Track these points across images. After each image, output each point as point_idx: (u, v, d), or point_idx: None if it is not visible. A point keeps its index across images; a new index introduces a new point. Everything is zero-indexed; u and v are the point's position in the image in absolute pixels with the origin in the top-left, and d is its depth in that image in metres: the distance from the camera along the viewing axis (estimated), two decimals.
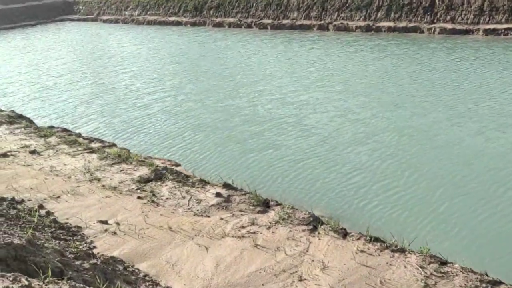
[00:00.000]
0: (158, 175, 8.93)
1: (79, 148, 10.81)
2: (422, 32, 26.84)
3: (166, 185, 8.61)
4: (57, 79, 25.67)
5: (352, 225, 8.50)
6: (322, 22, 31.45)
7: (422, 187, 10.63)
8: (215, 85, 21.22)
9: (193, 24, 38.84)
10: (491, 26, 24.65)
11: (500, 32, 24.22)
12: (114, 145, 12.72)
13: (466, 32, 25.25)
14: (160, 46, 32.31)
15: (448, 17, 26.65)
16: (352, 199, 10.19)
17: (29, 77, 26.80)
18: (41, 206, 7.96)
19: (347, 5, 31.18)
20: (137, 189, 8.52)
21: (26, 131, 12.40)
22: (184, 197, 8.09)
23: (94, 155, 10.33)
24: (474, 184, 10.56)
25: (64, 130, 14.57)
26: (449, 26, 26.05)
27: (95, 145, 12.21)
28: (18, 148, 11.03)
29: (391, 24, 28.25)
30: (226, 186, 8.24)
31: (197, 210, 7.63)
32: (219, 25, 37.01)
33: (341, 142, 13.66)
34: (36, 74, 27.36)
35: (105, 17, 47.84)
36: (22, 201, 8.14)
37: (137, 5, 46.23)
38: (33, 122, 15.79)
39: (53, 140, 11.63)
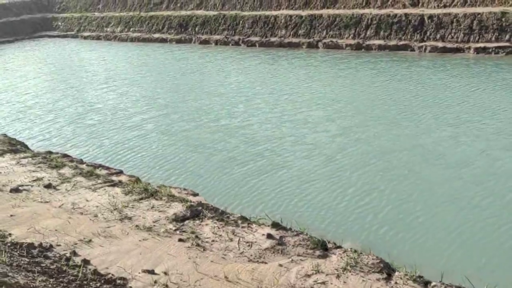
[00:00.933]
0: (195, 212, 8.16)
1: (99, 181, 9.94)
2: (413, 50, 26.87)
3: (207, 225, 7.85)
4: (38, 99, 24.37)
5: (389, 258, 7.87)
6: (311, 40, 31.22)
7: (444, 212, 10.28)
8: (206, 104, 20.69)
9: (179, 41, 38.14)
10: (482, 45, 24.81)
11: (491, 50, 24.38)
12: (121, 172, 11.89)
13: (457, 50, 25.37)
14: (145, 63, 31.59)
15: (438, 36, 26.75)
16: (378, 228, 9.76)
17: (7, 97, 25.35)
18: (74, 253, 7.11)
19: (336, 23, 31.07)
20: (175, 230, 7.72)
21: (34, 161, 11.41)
22: (231, 239, 7.36)
23: (117, 189, 9.48)
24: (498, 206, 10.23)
25: (65, 155, 13.65)
26: (439, 44, 26.13)
27: (100, 172, 11.36)
28: (30, 182, 10.05)
29: (382, 42, 28.21)
30: (275, 225, 7.54)
31: (251, 255, 6.91)
32: (206, 42, 36.43)
33: (348, 163, 13.32)
34: (15, 93, 25.96)
35: (86, 34, 46.64)
36: (51, 246, 7.27)
37: (119, 21, 45.26)
38: (28, 147, 14.72)
39: (66, 171, 10.69)
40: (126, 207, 8.61)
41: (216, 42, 35.88)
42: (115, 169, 11.73)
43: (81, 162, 12.90)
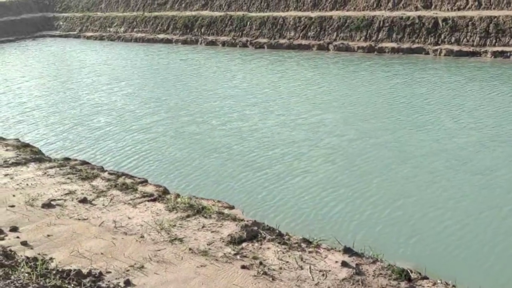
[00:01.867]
0: (251, 233, 7.39)
1: (137, 195, 9.16)
2: (428, 53, 26.27)
3: (268, 248, 7.08)
4: (41, 100, 23.58)
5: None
6: (322, 42, 30.51)
7: (479, 221, 9.78)
8: (217, 106, 20.11)
9: (184, 42, 37.29)
10: (499, 49, 24.21)
11: (509, 54, 23.78)
12: (146, 181, 11.12)
13: (474, 54, 24.80)
14: (151, 64, 30.90)
15: (453, 39, 26.17)
16: (438, 246, 9.00)
17: (8, 98, 24.38)
18: (128, 283, 6.30)
19: (346, 25, 30.39)
20: (235, 254, 6.95)
21: (62, 171, 10.57)
22: (301, 267, 6.60)
23: (160, 205, 8.70)
24: None
25: (84, 162, 12.84)
26: (455, 47, 25.50)
27: (125, 180, 10.54)
28: (62, 195, 9.23)
29: (394, 45, 27.57)
30: (347, 251, 6.79)
31: (328, 287, 6.14)
32: (212, 43, 35.62)
33: (372, 168, 12.82)
34: (16, 94, 25.00)
35: (88, 34, 45.65)
36: (101, 274, 6.45)
37: (123, 21, 44.32)
38: (43, 153, 13.82)
39: (99, 183, 9.88)
40: (174, 226, 7.81)
41: (223, 44, 35.07)
42: (139, 178, 10.96)
43: (102, 169, 12.06)
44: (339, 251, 6.88)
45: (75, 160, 13.26)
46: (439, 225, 9.70)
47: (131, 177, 11.49)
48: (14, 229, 7.82)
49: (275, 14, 35.02)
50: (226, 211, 8.98)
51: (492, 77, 21.38)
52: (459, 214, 10.12)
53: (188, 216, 8.18)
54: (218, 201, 9.61)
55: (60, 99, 23.32)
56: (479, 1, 27.70)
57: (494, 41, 25.08)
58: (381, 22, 29.34)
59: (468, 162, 12.76)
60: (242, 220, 8.05)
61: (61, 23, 50.43)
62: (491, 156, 13.08)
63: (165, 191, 10.06)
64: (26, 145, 14.23)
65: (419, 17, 28.19)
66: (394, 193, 11.20)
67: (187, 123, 17.98)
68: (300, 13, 33.89)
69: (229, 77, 25.42)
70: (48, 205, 8.69)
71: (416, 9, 29.53)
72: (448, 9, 28.38)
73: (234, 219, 8.02)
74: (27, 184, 9.81)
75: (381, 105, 18.63)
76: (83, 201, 8.87)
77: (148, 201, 8.86)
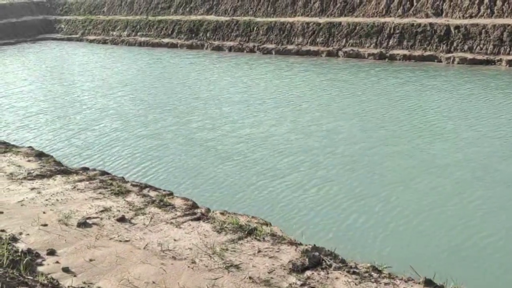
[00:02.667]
0: (313, 260, 6.73)
1: (178, 213, 8.48)
2: (440, 61, 25.84)
3: (337, 278, 6.41)
4: (45, 104, 22.96)
5: None
6: (331, 48, 29.97)
7: None
8: (226, 112, 19.80)
9: (190, 47, 36.66)
10: None
11: None
12: (171, 193, 10.50)
13: (488, 62, 24.40)
14: (156, 68, 30.47)
15: (466, 47, 25.76)
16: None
17: (10, 101, 23.58)
18: None
19: (356, 31, 29.89)
20: (302, 285, 6.28)
21: (93, 185, 9.85)
22: None
23: (205, 225, 8.02)
24: None
25: (104, 173, 12.14)
26: (468, 55, 25.05)
27: (149, 193, 9.89)
28: (97, 213, 8.50)
29: (406, 52, 27.14)
30: (429, 283, 6.14)
31: None
32: (219, 48, 35.01)
33: (394, 177, 12.52)
34: (18, 98, 24.21)
35: (91, 37, 44.91)
36: None
37: (126, 25, 43.58)
38: (60, 163, 13.08)
39: (135, 199, 9.19)
40: (226, 250, 7.13)
41: (230, 49, 34.47)
42: (164, 190, 10.34)
43: (124, 180, 11.36)
44: (418, 283, 6.23)
45: (94, 170, 12.54)
46: (481, 242, 9.30)
47: (156, 189, 10.86)
48: (51, 252, 7.11)
49: (282, 19, 34.50)
50: (266, 228, 8.32)
51: (507, 85, 20.97)
52: (494, 227, 9.80)
53: (239, 238, 7.50)
54: (253, 217, 8.99)
55: (64, 103, 22.68)
56: (491, 9, 27.32)
57: (508, 49, 24.70)
58: (392, 29, 28.88)
59: (494, 172, 12.47)
60: (300, 244, 7.38)
61: (62, 26, 49.59)
62: None
63: (194, 205, 9.42)
64: (41, 154, 13.47)
65: (430, 24, 27.76)
66: (422, 205, 10.91)
67: (196, 129, 17.54)
68: (308, 19, 33.38)
69: (237, 82, 24.96)
70: (84, 224, 7.98)
71: (427, 16, 29.11)
72: (459, 17, 27.98)
73: (291, 243, 7.35)
74: (57, 200, 9.08)
75: (395, 112, 18.36)
76: (122, 219, 8.16)
77: (191, 220, 8.17)
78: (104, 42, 43.48)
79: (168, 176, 13.39)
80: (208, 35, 37.44)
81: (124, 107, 21.32)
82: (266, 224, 8.87)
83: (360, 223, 10.25)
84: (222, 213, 9.17)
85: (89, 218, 8.27)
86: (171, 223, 8.14)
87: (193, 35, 38.30)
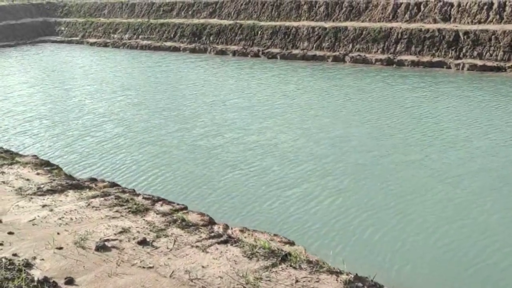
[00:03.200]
0: None
1: (203, 235, 8.00)
2: (449, 67, 25.62)
3: None
4: (44, 108, 22.84)
5: None
6: (337, 53, 29.73)
7: None
8: (231, 118, 19.44)
9: (193, 51, 36.41)
10: None
11: None
12: (185, 207, 10.15)
13: (498, 69, 24.15)
14: (159, 72, 30.45)
15: (475, 53, 25.55)
16: None
17: (8, 105, 23.41)
18: None
19: (362, 36, 29.68)
20: None
21: (108, 202, 9.40)
22: None
23: (234, 249, 7.55)
24: None
25: (114, 184, 11.82)
26: (478, 62, 24.82)
27: (162, 208, 9.57)
28: (115, 234, 7.99)
29: (414, 58, 26.92)
30: None
31: None
32: (222, 52, 34.75)
33: (409, 188, 12.23)
34: (17, 102, 23.98)
35: (91, 40, 44.65)
36: None
37: (127, 28, 43.35)
38: (72, 176, 12.75)
39: (155, 219, 8.71)
40: (260, 279, 6.70)
41: (234, 53, 34.22)
42: (178, 204, 10.00)
43: (135, 193, 11.03)
44: None
45: (103, 181, 12.20)
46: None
47: (169, 202, 10.50)
48: (70, 281, 6.61)
49: (287, 23, 34.28)
50: (288, 248, 7.97)
51: None
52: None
53: (273, 265, 7.03)
54: (275, 235, 8.63)
55: (64, 108, 22.38)
56: (500, 15, 27.11)
57: None
58: (399, 34, 28.65)
59: None
60: (340, 272, 6.99)
61: (62, 28, 49.34)
62: None
63: (211, 221, 9.07)
64: (48, 164, 13.15)
65: (438, 29, 27.53)
66: (441, 217, 10.64)
67: (201, 136, 17.28)
68: (313, 23, 33.16)
69: (242, 87, 24.69)
70: (102, 247, 7.48)
71: (435, 21, 28.89)
72: (468, 22, 27.76)
73: (330, 271, 6.94)
74: (71, 219, 8.60)
75: (405, 119, 18.14)
76: (143, 242, 7.67)
77: (218, 243, 7.75)
78: (105, 45, 43.22)
79: (175, 186, 13.07)
80: (211, 38, 37.20)
81: (126, 112, 21.02)
82: (290, 243, 8.56)
83: (382, 239, 9.93)
84: (241, 231, 8.84)
85: (107, 240, 7.78)
86: (197, 246, 7.64)
87: (196, 38, 38.06)
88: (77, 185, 10.12)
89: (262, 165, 14.26)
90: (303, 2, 35.42)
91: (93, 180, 12.16)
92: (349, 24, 31.63)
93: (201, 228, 8.20)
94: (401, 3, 31.02)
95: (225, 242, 7.64)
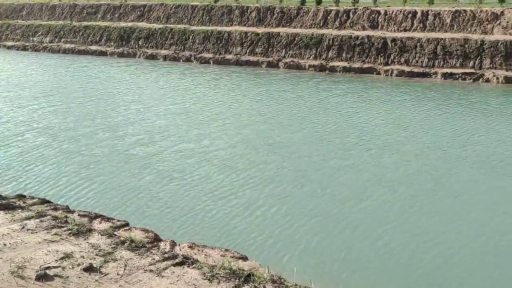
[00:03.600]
0: None
1: (156, 257, 7.32)
2: (379, 73, 26.62)
3: None
4: None
5: None
6: (271, 58, 29.94)
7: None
8: (163, 125, 18.85)
9: (121, 55, 35.24)
10: (448, 70, 25.00)
11: (457, 76, 24.54)
12: (126, 224, 9.53)
13: (424, 75, 25.29)
14: (84, 77, 29.06)
15: (403, 59, 26.70)
16: None
17: None
18: None
19: (295, 42, 30.09)
20: None
21: (45, 224, 8.29)
22: None
23: (192, 271, 6.83)
24: None
25: (44, 201, 10.95)
26: (406, 68, 25.94)
27: (101, 225, 8.94)
28: (57, 261, 7.04)
29: (346, 64, 27.69)
30: None
31: None
32: (152, 57, 33.95)
33: (348, 194, 12.35)
34: None
35: (9, 43, 42.09)
36: None
37: (48, 31, 41.26)
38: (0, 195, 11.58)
39: (100, 241, 7.81)
40: None
41: (165, 58, 33.51)
42: (119, 221, 9.31)
43: (68, 210, 10.28)
44: None
45: (32, 197, 11.15)
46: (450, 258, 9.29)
47: (108, 219, 9.72)
48: None
49: (219, 28, 34.09)
50: (242, 264, 7.61)
51: (443, 97, 21.86)
52: (453, 241, 9.82)
53: (235, 287, 6.63)
54: (226, 250, 8.21)
55: None
56: (423, 23, 28.58)
57: (442, 62, 25.84)
58: (330, 41, 29.37)
59: (444, 184, 12.71)
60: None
61: None
62: (465, 175, 13.12)
63: (156, 238, 8.51)
64: None
65: (368, 36, 28.50)
66: (382, 222, 10.85)
67: (134, 144, 16.62)
68: (245, 28, 33.22)
69: (174, 93, 24.19)
70: (44, 276, 6.56)
71: (363, 28, 29.90)
72: (395, 30, 29.01)
73: None
74: (5, 244, 7.51)
75: (340, 124, 18.48)
76: (89, 269, 6.84)
77: (173, 265, 7.16)
78: (24, 48, 40.69)
79: (111, 200, 12.33)
80: (140, 43, 36.16)
81: (51, 120, 19.74)
82: (243, 258, 8.16)
83: (328, 247, 9.88)
84: (190, 247, 8.32)
85: (48, 268, 6.90)
86: (151, 270, 6.97)
87: (124, 42, 36.83)
88: (7, 205, 9.11)
89: (201, 174, 13.85)
90: (235, 7, 35.42)
91: (21, 196, 11.11)
92: (281, 30, 31.99)
93: (152, 250, 7.61)
94: (331, 10, 31.87)
95: (181, 263, 7.12)
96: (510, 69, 24.39)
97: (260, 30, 32.58)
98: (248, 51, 31.77)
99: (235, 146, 16.14)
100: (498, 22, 26.87)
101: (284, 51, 30.61)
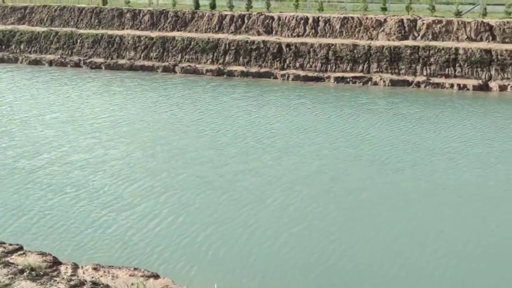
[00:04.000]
0: None
1: (61, 286, 6.57)
2: (276, 78, 27.35)
3: None
4: None
5: None
6: (167, 63, 29.41)
7: None
8: (49, 135, 17.75)
9: (0, 60, 32.34)
10: (339, 74, 26.31)
11: (348, 80, 25.94)
12: (20, 247, 8.68)
13: (318, 79, 26.41)
14: None
15: (297, 64, 27.69)
16: None
17: None
18: None
19: (191, 46, 29.89)
20: None
21: None
22: None
23: None
24: None
25: None
26: (301, 72, 26.92)
27: None
28: None
29: (243, 68, 28.09)
30: None
31: None
32: (37, 62, 31.94)
33: (249, 198, 12.38)
34: None
35: None
36: None
37: None
38: None
39: None
40: None
41: (50, 63, 31.59)
42: (11, 244, 8.38)
43: None
44: None
45: None
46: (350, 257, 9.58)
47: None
48: None
49: (110, 32, 32.82)
50: (155, 283, 7.18)
51: (336, 100, 22.94)
52: (352, 239, 10.13)
53: None
54: (135, 269, 7.71)
55: None
56: (315, 29, 29.85)
57: (334, 67, 27.14)
58: (227, 45, 29.54)
59: (342, 183, 13.27)
60: None
61: None
62: (361, 173, 13.74)
63: (55, 261, 7.77)
64: None
65: (263, 41, 29.12)
66: (282, 223, 11.02)
67: (17, 157, 15.40)
68: (138, 32, 32.31)
69: (62, 100, 22.94)
70: None
71: (259, 33, 30.50)
72: (288, 35, 29.95)
73: None
74: None
75: (239, 128, 18.52)
76: None
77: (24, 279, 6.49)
78: None
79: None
80: (22, 47, 33.60)
81: None
82: (154, 276, 7.69)
83: (231, 254, 9.76)
84: (95, 269, 7.72)
85: None
86: None
87: (4, 47, 34.00)
88: None
89: (94, 185, 13.09)
90: (126, 10, 34.30)
91: None
92: (176, 34, 31.54)
93: (56, 277, 6.85)
94: (226, 15, 32.10)
95: (34, 279, 6.47)
96: (395, 72, 26.30)
97: (154, 34, 31.84)
98: (142, 55, 30.88)
99: (130, 154, 15.51)
100: (382, 28, 28.87)
101: (180, 55, 30.19)
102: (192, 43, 30.36)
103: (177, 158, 15.15)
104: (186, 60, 29.89)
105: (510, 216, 11.42)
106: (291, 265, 9.32)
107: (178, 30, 32.27)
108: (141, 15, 33.72)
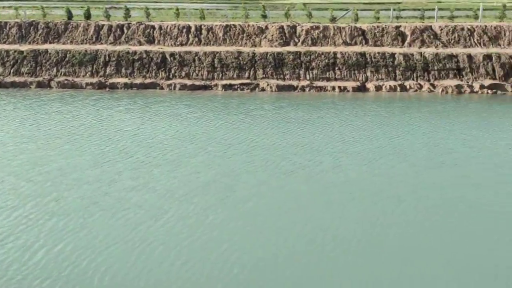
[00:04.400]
0: None
1: None
2: (162, 88, 26.85)
3: None
4: None
5: None
6: (41, 78, 27.55)
7: None
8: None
9: None
10: (227, 82, 26.53)
11: (236, 87, 26.23)
12: None
13: (206, 87, 26.38)
14: None
15: (183, 73, 27.48)
16: None
17: None
18: None
19: (67, 59, 28.21)
20: None
21: None
22: None
23: None
24: None
25: None
26: (188, 82, 26.70)
27: None
28: None
29: (126, 80, 27.17)
30: None
31: None
32: None
33: (144, 216, 12.00)
34: None
35: None
36: None
37: None
38: None
39: None
40: None
41: None
42: None
43: None
44: None
45: None
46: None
47: None
48: None
49: None
50: None
51: (224, 107, 23.05)
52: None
53: None
54: None
55: None
56: (198, 38, 29.80)
57: (221, 75, 27.28)
58: (107, 57, 28.32)
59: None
60: None
61: None
62: (253, 180, 13.85)
63: None
64: None
65: (146, 51, 28.40)
66: (179, 238, 10.72)
67: None
68: (6, 46, 29.78)
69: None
70: None
71: (140, 43, 29.69)
72: (172, 44, 29.54)
73: None
74: None
75: (124, 143, 17.77)
76: None
77: None
78: None
79: None
80: None
81: None
82: None
83: (128, 279, 9.16)
84: None
85: None
86: None
87: None
88: None
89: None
90: None
91: None
92: (49, 46, 29.54)
93: None
94: (103, 25, 30.81)
95: None
96: (280, 78, 27.12)
97: (24, 47, 29.51)
98: (12, 71, 28.43)
99: (3, 180, 14.07)
100: (264, 35, 29.65)
101: (55, 69, 28.29)
102: (68, 55, 28.63)
103: (60, 181, 14.07)
104: (63, 74, 28.09)
105: (391, 209, 12.28)
106: (193, 282, 9.02)
107: (50, 42, 30.26)
108: (7, 27, 31.10)
